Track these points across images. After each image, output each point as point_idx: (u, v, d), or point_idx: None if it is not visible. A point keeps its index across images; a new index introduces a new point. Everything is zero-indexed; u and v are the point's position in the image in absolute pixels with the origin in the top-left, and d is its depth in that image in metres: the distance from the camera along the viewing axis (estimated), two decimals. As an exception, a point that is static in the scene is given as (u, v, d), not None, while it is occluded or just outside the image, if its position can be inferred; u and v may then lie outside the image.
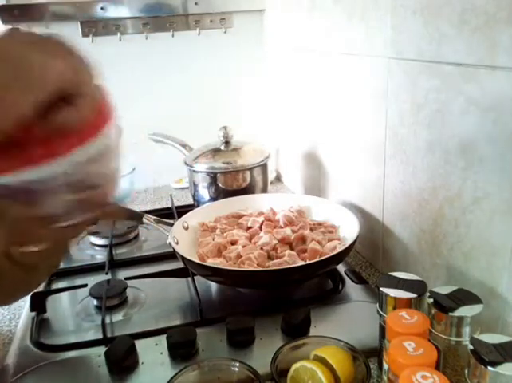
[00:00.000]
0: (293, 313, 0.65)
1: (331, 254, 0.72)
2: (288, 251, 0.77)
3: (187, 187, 1.17)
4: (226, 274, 0.71)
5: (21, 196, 0.30)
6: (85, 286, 0.80)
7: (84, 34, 1.22)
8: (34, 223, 0.32)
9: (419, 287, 0.53)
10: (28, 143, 0.28)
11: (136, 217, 0.86)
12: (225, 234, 0.85)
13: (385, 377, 0.48)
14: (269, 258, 0.78)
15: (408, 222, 0.73)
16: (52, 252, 0.42)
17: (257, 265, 0.74)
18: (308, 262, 0.73)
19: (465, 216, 0.59)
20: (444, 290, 0.52)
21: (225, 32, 1.32)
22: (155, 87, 1.29)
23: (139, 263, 0.90)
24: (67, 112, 0.28)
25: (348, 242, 0.73)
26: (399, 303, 0.52)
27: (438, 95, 0.62)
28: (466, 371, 0.44)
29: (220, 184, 1.04)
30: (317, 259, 0.72)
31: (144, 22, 1.25)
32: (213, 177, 1.04)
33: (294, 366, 0.53)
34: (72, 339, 0.68)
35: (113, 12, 1.21)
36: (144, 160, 1.12)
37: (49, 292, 0.80)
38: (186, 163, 1.07)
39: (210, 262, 0.76)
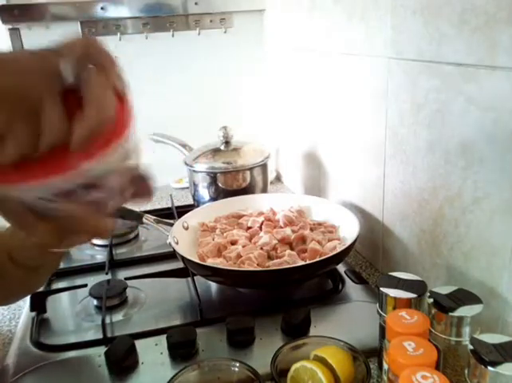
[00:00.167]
0: (293, 313, 0.65)
1: (331, 254, 0.72)
2: (288, 251, 0.77)
3: (187, 187, 1.17)
4: (226, 274, 0.71)
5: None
6: (85, 286, 0.80)
7: (84, 34, 1.22)
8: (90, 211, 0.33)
9: (419, 287, 0.53)
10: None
11: (136, 217, 0.86)
12: (225, 234, 0.85)
13: (385, 377, 0.48)
14: (269, 258, 0.78)
15: (408, 222, 0.73)
16: (56, 254, 0.43)
17: (257, 265, 0.74)
18: (308, 262, 0.73)
19: (465, 216, 0.59)
20: (444, 290, 0.52)
21: (225, 32, 1.32)
22: (155, 87, 1.29)
23: (139, 263, 0.90)
24: (84, 122, 0.29)
25: (348, 242, 0.73)
26: (399, 303, 0.52)
27: (438, 95, 0.62)
28: (466, 371, 0.44)
29: (220, 184, 1.04)
30: (317, 259, 0.72)
31: (144, 22, 1.25)
32: (213, 177, 1.04)
33: (294, 366, 0.53)
34: (72, 339, 0.68)
35: (113, 12, 1.21)
36: (144, 160, 1.12)
37: (49, 292, 0.80)
38: (186, 163, 1.07)
39: (210, 262, 0.76)
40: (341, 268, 0.80)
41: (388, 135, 0.75)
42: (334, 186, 1.01)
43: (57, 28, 1.19)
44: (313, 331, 0.65)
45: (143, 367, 0.60)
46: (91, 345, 0.65)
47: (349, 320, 0.68)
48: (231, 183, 1.04)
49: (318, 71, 1.00)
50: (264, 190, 1.09)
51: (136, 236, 1.03)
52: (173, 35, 1.28)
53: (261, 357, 0.59)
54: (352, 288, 0.75)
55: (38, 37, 1.18)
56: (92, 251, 0.97)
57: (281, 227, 0.85)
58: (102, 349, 0.62)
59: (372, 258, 0.88)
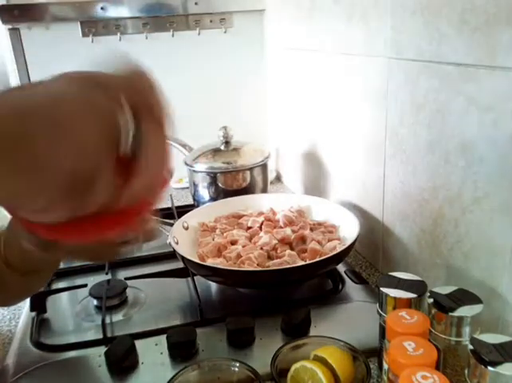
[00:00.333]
0: (293, 313, 0.65)
1: (331, 254, 0.72)
2: (288, 251, 0.77)
3: (187, 187, 1.17)
4: (226, 274, 0.71)
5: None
6: (85, 286, 0.80)
7: (84, 34, 1.22)
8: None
9: (419, 287, 0.53)
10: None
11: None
12: (225, 234, 0.85)
13: (385, 377, 0.48)
14: (269, 258, 0.78)
15: (408, 222, 0.73)
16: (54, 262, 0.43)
17: (257, 265, 0.74)
18: (308, 262, 0.73)
19: (465, 216, 0.59)
20: (444, 290, 0.52)
21: (225, 32, 1.32)
22: (155, 87, 1.28)
23: (139, 263, 0.90)
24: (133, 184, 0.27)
25: (348, 242, 0.73)
26: (399, 303, 0.52)
27: (438, 95, 0.62)
28: (466, 371, 0.44)
29: (220, 184, 1.04)
30: (317, 259, 0.72)
31: (144, 22, 1.25)
32: (213, 177, 1.04)
33: (294, 366, 0.53)
34: (72, 339, 0.68)
35: (113, 12, 1.21)
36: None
37: (49, 292, 0.80)
38: (186, 163, 1.07)
39: (210, 262, 0.76)
40: (341, 268, 0.80)
41: (388, 135, 0.75)
42: (334, 186, 1.01)
43: (57, 28, 1.19)
44: (313, 331, 0.65)
45: (143, 367, 0.60)
46: (91, 345, 0.65)
47: (349, 320, 0.68)
48: (231, 183, 1.04)
49: (318, 71, 1.00)
50: (264, 190, 1.09)
51: (136, 236, 1.03)
52: (173, 35, 1.28)
53: (261, 357, 0.59)
54: (352, 288, 0.75)
55: (38, 37, 1.18)
56: (92, 251, 0.97)
57: (281, 227, 0.85)
58: (102, 349, 0.62)
59: (372, 258, 0.88)
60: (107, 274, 0.84)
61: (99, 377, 0.59)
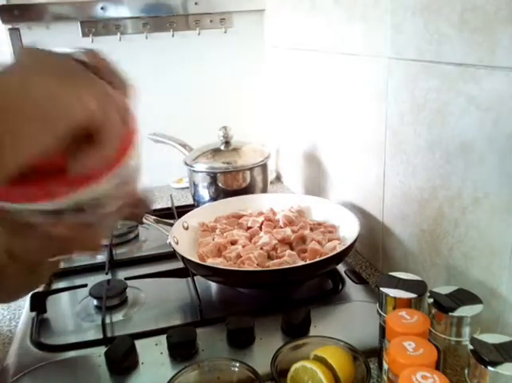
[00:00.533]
0: (293, 313, 0.65)
1: (331, 254, 0.72)
2: (288, 251, 0.77)
3: (187, 187, 1.17)
4: (226, 274, 0.71)
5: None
6: (85, 286, 0.80)
7: (84, 34, 1.22)
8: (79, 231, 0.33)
9: (419, 287, 0.53)
10: (55, 173, 0.29)
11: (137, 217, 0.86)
12: (225, 234, 0.85)
13: (385, 377, 0.48)
14: (269, 258, 0.78)
15: (408, 222, 0.73)
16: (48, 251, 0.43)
17: (257, 265, 0.74)
18: (308, 262, 0.73)
19: (465, 216, 0.59)
20: (444, 290, 0.52)
21: (225, 32, 1.32)
22: (155, 87, 1.29)
23: (139, 263, 0.90)
24: (90, 155, 0.29)
25: (348, 242, 0.73)
26: (399, 303, 0.52)
27: (438, 95, 0.62)
28: (466, 371, 0.44)
29: (220, 184, 1.04)
30: (317, 259, 0.72)
31: (144, 22, 1.25)
32: (213, 177, 1.04)
33: (294, 366, 0.53)
34: (72, 339, 0.68)
35: (113, 12, 1.21)
36: (144, 160, 1.12)
37: (49, 292, 0.80)
38: (186, 163, 1.07)
39: (210, 262, 0.76)
40: (341, 268, 0.80)
41: (388, 135, 0.75)
42: (334, 186, 1.01)
43: (57, 28, 1.19)
44: (313, 331, 0.65)
45: (143, 367, 0.60)
46: (91, 345, 0.65)
47: (349, 320, 0.68)
48: (231, 183, 1.04)
49: (318, 71, 1.00)
50: (264, 190, 1.09)
51: (136, 236, 1.03)
52: (173, 35, 1.28)
53: (261, 357, 0.59)
54: (352, 288, 0.75)
55: (38, 37, 1.18)
56: (92, 251, 0.97)
57: (281, 227, 0.85)
58: (102, 349, 0.62)
59: (372, 258, 0.88)
60: (107, 274, 0.84)
61: (99, 377, 0.59)
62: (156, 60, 1.29)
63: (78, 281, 0.84)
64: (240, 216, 0.91)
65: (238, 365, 0.54)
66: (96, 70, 0.31)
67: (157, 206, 1.19)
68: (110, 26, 1.23)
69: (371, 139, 0.81)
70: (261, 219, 0.88)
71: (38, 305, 0.74)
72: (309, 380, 0.51)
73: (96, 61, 0.31)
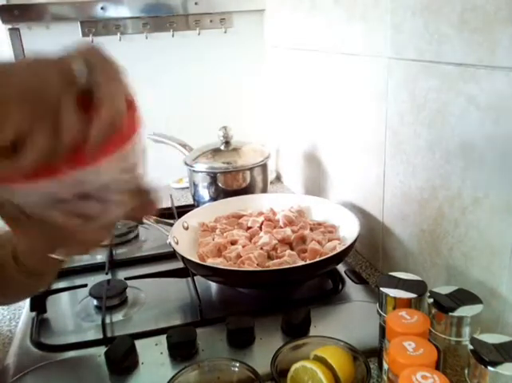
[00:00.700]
0: (293, 314, 0.65)
1: (331, 254, 0.72)
2: (288, 251, 0.77)
3: (187, 187, 1.17)
4: (226, 274, 0.71)
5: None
6: (85, 286, 0.80)
7: (84, 34, 1.22)
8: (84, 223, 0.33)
9: (419, 287, 0.53)
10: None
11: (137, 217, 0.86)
12: (225, 234, 0.85)
13: (385, 377, 0.48)
14: (269, 258, 0.78)
15: (408, 222, 0.73)
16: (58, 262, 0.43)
17: (257, 265, 0.74)
18: (308, 262, 0.73)
19: (465, 216, 0.59)
20: (444, 290, 0.52)
21: (225, 32, 1.32)
22: (155, 87, 1.28)
23: (139, 263, 0.90)
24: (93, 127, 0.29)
25: (348, 242, 0.73)
26: (399, 303, 0.52)
27: (438, 95, 0.62)
28: (466, 371, 0.44)
29: (220, 184, 1.04)
30: (317, 259, 0.72)
31: (144, 22, 1.25)
32: (213, 177, 1.04)
33: (294, 366, 0.53)
34: (72, 339, 0.68)
35: (113, 12, 1.21)
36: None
37: (49, 292, 0.80)
38: (186, 163, 1.07)
39: (210, 262, 0.76)
40: (341, 268, 0.80)
41: (388, 135, 0.75)
42: (334, 186, 1.01)
43: (57, 28, 1.19)
44: (313, 331, 0.65)
45: (143, 367, 0.60)
46: (91, 345, 0.65)
47: (349, 320, 0.68)
48: (231, 183, 1.04)
49: (318, 71, 1.00)
50: (264, 190, 1.09)
51: (136, 236, 1.03)
52: (173, 35, 1.28)
53: (261, 357, 0.59)
54: (352, 288, 0.75)
55: (38, 37, 1.18)
56: (92, 251, 0.97)
57: (281, 227, 0.85)
58: (102, 349, 0.62)
59: (372, 258, 0.88)
60: (107, 274, 0.84)
61: (99, 377, 0.59)
62: (156, 60, 1.29)
63: (78, 281, 0.84)
64: (240, 216, 0.91)
65: (238, 365, 0.54)
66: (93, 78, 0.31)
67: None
68: (110, 26, 1.23)
69: (371, 139, 0.81)
70: (261, 219, 0.88)
71: (38, 305, 0.74)
72: (309, 380, 0.51)
73: (91, 57, 0.32)
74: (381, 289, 0.54)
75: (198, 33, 1.30)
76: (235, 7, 1.30)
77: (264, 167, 1.07)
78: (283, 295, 0.77)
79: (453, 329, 0.48)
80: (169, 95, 1.31)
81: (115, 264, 0.89)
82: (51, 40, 1.19)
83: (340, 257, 0.74)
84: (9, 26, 1.16)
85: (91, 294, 0.77)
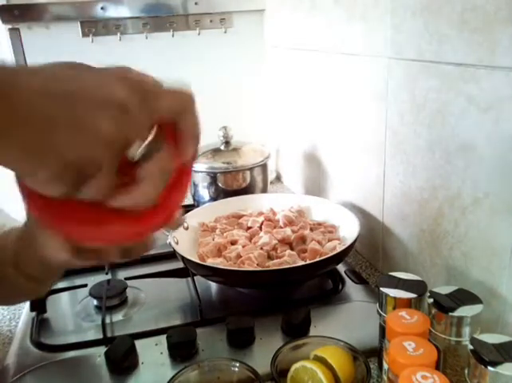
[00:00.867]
0: (293, 313, 0.65)
1: (331, 254, 0.72)
2: (288, 251, 0.77)
3: (187, 187, 1.17)
4: (226, 274, 0.71)
5: None
6: (85, 286, 0.80)
7: (84, 34, 1.22)
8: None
9: (419, 287, 0.53)
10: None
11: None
12: (225, 234, 0.85)
13: (385, 377, 0.48)
14: (269, 258, 0.78)
15: (408, 222, 0.73)
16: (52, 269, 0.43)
17: (257, 265, 0.74)
18: (308, 262, 0.73)
19: (465, 216, 0.59)
20: (444, 290, 0.52)
21: (225, 32, 1.32)
22: (155, 87, 1.28)
23: (139, 263, 0.90)
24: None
25: (348, 242, 0.73)
26: (399, 303, 0.52)
27: (438, 95, 0.62)
28: (466, 371, 0.44)
29: (220, 184, 1.04)
30: (317, 259, 0.72)
31: (144, 22, 1.25)
32: (213, 177, 1.04)
33: (294, 366, 0.53)
34: (73, 339, 0.68)
35: (113, 12, 1.21)
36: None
37: (49, 292, 0.80)
38: (186, 163, 1.07)
39: (210, 262, 0.76)
40: (341, 268, 0.80)
41: (388, 135, 0.75)
42: (334, 186, 1.01)
43: (57, 28, 1.19)
44: (313, 331, 0.65)
45: (143, 367, 0.60)
46: (91, 345, 0.65)
47: (349, 320, 0.68)
48: (231, 183, 1.04)
49: (318, 71, 1.00)
50: (264, 190, 1.09)
51: (136, 236, 1.03)
52: (173, 35, 1.28)
53: (261, 357, 0.59)
54: (352, 288, 0.75)
55: (38, 37, 1.18)
56: (92, 251, 0.97)
57: (281, 227, 0.85)
58: (102, 349, 0.62)
59: (372, 258, 0.88)
60: (107, 274, 0.84)
61: (99, 377, 0.59)
62: (156, 60, 1.29)
63: (78, 281, 0.84)
64: (240, 216, 0.91)
65: (238, 365, 0.54)
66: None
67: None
68: (110, 26, 1.23)
69: (371, 139, 0.81)
70: (261, 219, 0.88)
71: (38, 305, 0.73)
72: (309, 380, 0.51)
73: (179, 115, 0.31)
74: (381, 289, 0.54)
75: (198, 33, 1.30)
76: (235, 7, 1.30)
77: (264, 167, 1.07)
78: (283, 295, 0.77)
79: (453, 329, 0.48)
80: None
81: (115, 264, 0.89)
82: (51, 40, 1.19)
83: (340, 257, 0.74)
84: (9, 26, 1.16)
85: (91, 294, 0.77)
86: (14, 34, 1.16)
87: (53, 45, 1.19)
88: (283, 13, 1.18)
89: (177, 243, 0.78)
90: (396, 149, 0.73)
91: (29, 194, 0.29)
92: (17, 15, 1.14)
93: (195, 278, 0.78)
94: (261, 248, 0.78)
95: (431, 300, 0.50)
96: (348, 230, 0.80)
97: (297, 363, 0.53)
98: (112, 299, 0.76)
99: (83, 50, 1.19)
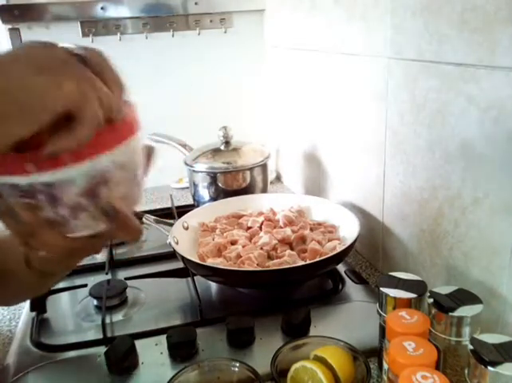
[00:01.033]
0: (293, 313, 0.65)
1: (331, 254, 0.72)
2: (288, 251, 0.77)
3: (187, 187, 1.17)
4: (226, 274, 0.71)
5: (37, 199, 0.32)
6: (85, 286, 0.80)
7: (84, 34, 1.22)
8: (43, 227, 0.33)
9: (419, 287, 0.53)
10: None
11: (136, 217, 0.86)
12: (225, 234, 0.85)
13: (385, 377, 0.48)
14: (269, 258, 0.78)
15: (408, 222, 0.73)
16: (64, 262, 0.42)
17: (257, 265, 0.74)
18: (308, 262, 0.73)
19: (465, 216, 0.59)
20: (444, 290, 0.52)
21: (225, 32, 1.32)
22: (155, 87, 1.29)
23: (139, 263, 0.90)
24: (61, 138, 0.30)
25: (348, 242, 0.73)
26: (399, 303, 0.52)
27: (438, 95, 0.62)
28: (466, 371, 0.44)
29: (220, 184, 1.04)
30: (317, 259, 0.72)
31: (144, 22, 1.25)
32: (213, 177, 1.04)
33: (294, 366, 0.53)
34: (73, 339, 0.68)
35: (113, 12, 1.21)
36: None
37: (49, 292, 0.80)
38: (186, 163, 1.07)
39: (210, 262, 0.76)
40: (341, 268, 0.80)
41: (388, 135, 0.75)
42: (334, 186, 1.01)
43: (57, 28, 1.19)
44: (313, 331, 0.65)
45: (143, 367, 0.60)
46: (91, 345, 0.65)
47: (349, 320, 0.68)
48: (231, 183, 1.04)
49: (318, 71, 1.00)
50: (264, 190, 1.09)
51: (136, 236, 1.03)
52: (173, 35, 1.28)
53: (261, 357, 0.59)
54: (352, 288, 0.75)
55: (38, 37, 1.18)
56: (92, 251, 0.97)
57: (281, 227, 0.85)
58: (102, 349, 0.62)
59: (372, 258, 0.88)
60: (107, 274, 0.84)
61: (99, 377, 0.59)
62: (156, 60, 1.29)
63: (78, 281, 0.84)
64: (240, 216, 0.91)
65: (238, 365, 0.54)
66: (92, 66, 0.33)
67: (157, 206, 1.19)
68: (110, 26, 1.23)
69: (371, 139, 0.81)
70: (261, 219, 0.88)
71: (38, 305, 0.74)
72: (309, 380, 0.51)
73: (92, 57, 0.34)
74: (381, 289, 0.54)
75: (198, 33, 1.30)
76: (235, 7, 1.30)
77: (264, 167, 1.07)
78: (283, 295, 0.77)
79: (453, 329, 0.48)
80: (169, 95, 1.31)
81: (115, 264, 0.89)
82: (51, 40, 1.19)
83: (340, 257, 0.74)
84: (9, 26, 1.16)
85: (91, 294, 0.77)
86: (14, 34, 1.17)
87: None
88: (283, 13, 1.18)
89: (177, 243, 0.78)
90: (396, 149, 0.73)
91: None
92: (17, 15, 1.15)
93: (195, 278, 0.78)
94: (261, 248, 0.78)
95: (431, 300, 0.50)
96: (348, 230, 0.80)
97: (297, 363, 0.53)
98: (112, 299, 0.76)
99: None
